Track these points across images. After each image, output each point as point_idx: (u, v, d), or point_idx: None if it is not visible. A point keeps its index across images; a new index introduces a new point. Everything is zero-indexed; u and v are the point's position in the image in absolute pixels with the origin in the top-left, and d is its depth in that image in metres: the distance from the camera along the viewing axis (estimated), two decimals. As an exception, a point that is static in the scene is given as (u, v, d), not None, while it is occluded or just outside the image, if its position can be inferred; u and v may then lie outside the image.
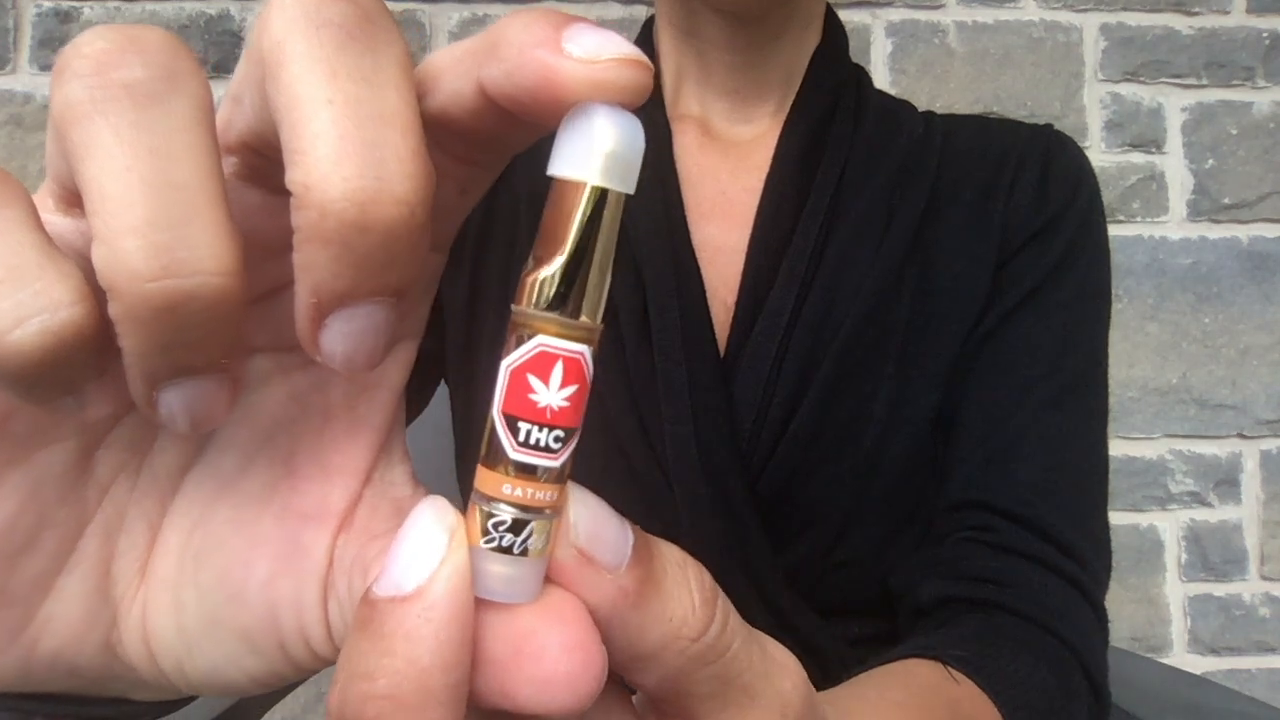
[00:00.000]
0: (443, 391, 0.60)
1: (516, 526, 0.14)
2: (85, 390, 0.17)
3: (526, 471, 0.14)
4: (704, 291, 0.50)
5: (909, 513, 0.51)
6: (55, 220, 0.16)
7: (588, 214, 0.14)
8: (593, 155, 0.14)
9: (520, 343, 0.14)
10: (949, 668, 0.39)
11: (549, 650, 0.14)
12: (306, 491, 0.19)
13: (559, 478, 0.15)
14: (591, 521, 0.15)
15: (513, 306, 0.15)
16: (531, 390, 0.14)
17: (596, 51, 0.14)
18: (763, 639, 0.17)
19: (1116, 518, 1.19)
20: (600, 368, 0.50)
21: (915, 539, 0.51)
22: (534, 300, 0.14)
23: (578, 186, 0.14)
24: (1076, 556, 0.47)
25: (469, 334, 0.55)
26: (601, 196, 0.14)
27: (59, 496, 0.18)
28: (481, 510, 0.15)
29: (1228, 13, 1.18)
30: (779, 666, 0.17)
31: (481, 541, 0.14)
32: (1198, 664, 1.15)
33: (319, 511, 0.19)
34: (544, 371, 0.14)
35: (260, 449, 0.19)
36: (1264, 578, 1.17)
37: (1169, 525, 1.16)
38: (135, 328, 0.14)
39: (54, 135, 0.15)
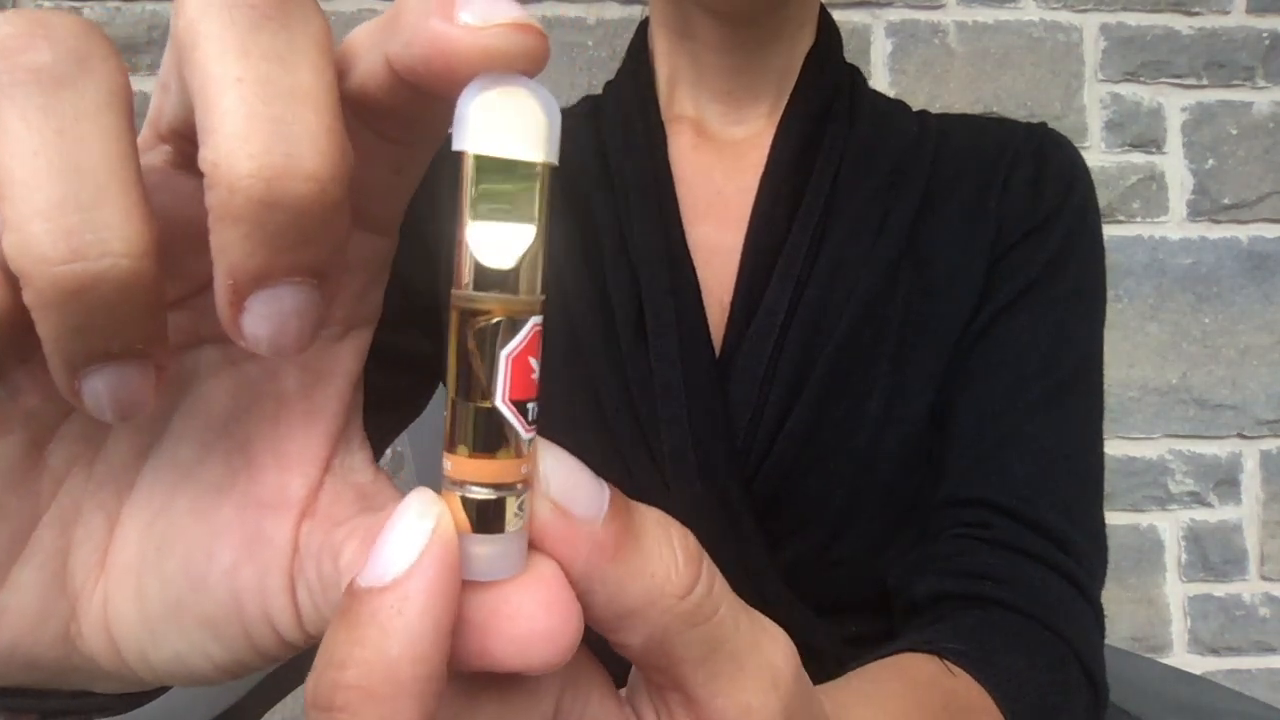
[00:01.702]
0: (442, 392, 0.60)
1: (500, 505, 0.15)
2: (12, 378, 0.16)
3: (525, 449, 0.15)
4: (699, 291, 0.51)
5: (905, 510, 0.51)
6: None
7: (545, 190, 0.14)
8: (539, 131, 0.14)
9: (514, 329, 0.14)
10: (946, 661, 0.39)
11: (525, 608, 0.14)
12: (265, 481, 0.19)
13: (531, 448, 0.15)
14: (565, 475, 0.15)
15: (461, 293, 0.14)
16: (532, 371, 0.15)
17: (486, 17, 0.14)
18: (751, 610, 0.17)
19: (1116, 518, 1.19)
20: (595, 369, 0.50)
21: (911, 536, 0.52)
22: (508, 285, 0.14)
23: (535, 166, 0.14)
24: (1073, 552, 0.48)
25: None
26: (553, 171, 0.14)
27: (10, 488, 0.18)
28: (463, 498, 0.15)
29: (1228, 13, 1.18)
30: (769, 638, 0.17)
31: (473, 528, 0.14)
32: (1198, 664, 1.15)
33: (279, 500, 0.19)
34: (536, 350, 0.15)
35: (217, 439, 0.19)
36: (1264, 578, 1.17)
37: (1169, 525, 1.16)
38: (48, 313, 0.14)
39: None
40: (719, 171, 0.55)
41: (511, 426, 0.14)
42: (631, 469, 0.49)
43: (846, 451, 0.50)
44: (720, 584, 0.16)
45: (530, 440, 0.15)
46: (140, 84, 1.09)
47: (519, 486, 0.15)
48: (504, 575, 0.15)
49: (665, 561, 0.16)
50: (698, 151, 0.55)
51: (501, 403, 0.14)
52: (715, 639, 0.16)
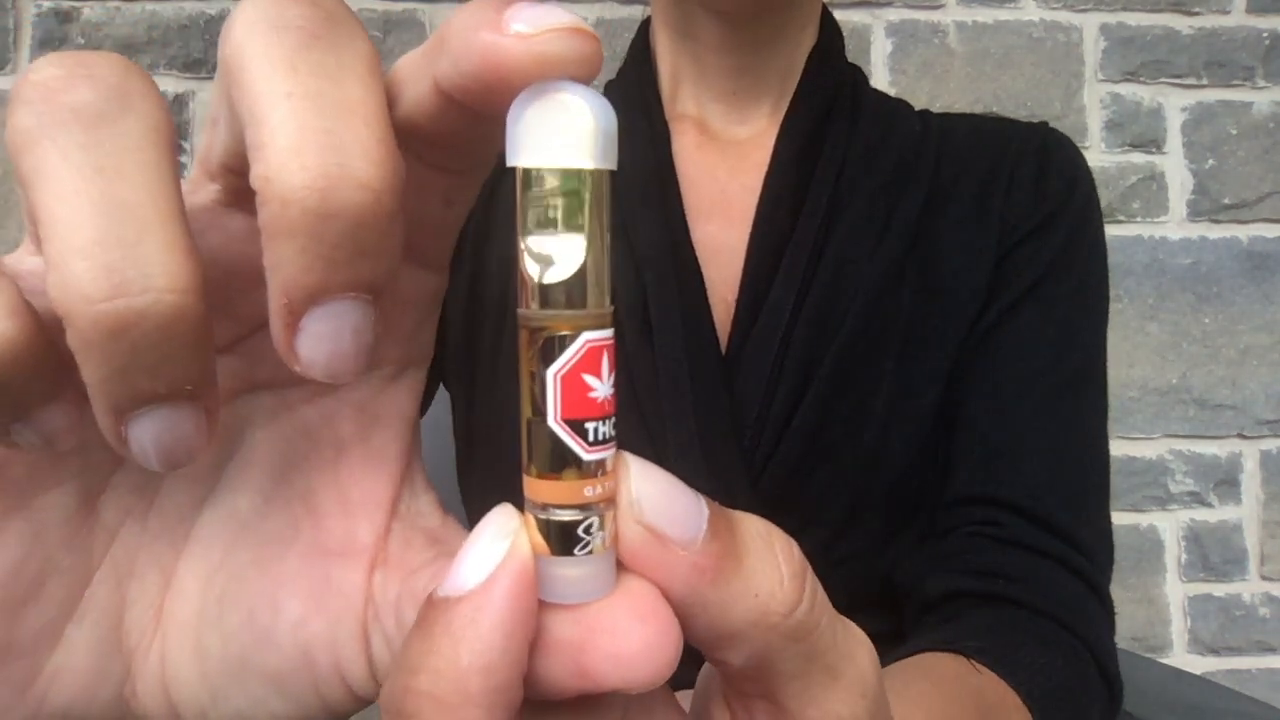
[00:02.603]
0: (442, 393, 0.60)
1: (582, 527, 0.14)
2: (42, 417, 0.16)
3: (594, 469, 0.14)
4: (705, 290, 0.51)
5: (910, 508, 0.52)
6: (30, 260, 0.16)
7: (599, 197, 0.14)
8: (584, 138, 0.14)
9: (562, 346, 0.14)
10: (970, 660, 0.39)
11: (621, 623, 0.14)
12: (331, 528, 0.19)
13: (610, 466, 0.14)
14: (659, 496, 0.14)
15: (524, 311, 0.14)
16: (590, 389, 0.14)
17: (536, 25, 0.13)
18: (843, 618, 0.17)
19: (1117, 518, 1.19)
20: None
21: (917, 534, 0.52)
22: (558, 300, 0.14)
23: (576, 172, 0.14)
24: (1082, 549, 0.48)
25: (469, 336, 0.55)
26: (608, 178, 0.14)
27: (63, 543, 0.17)
28: (541, 520, 0.14)
29: (1228, 13, 1.18)
30: (859, 644, 0.17)
31: (551, 550, 0.14)
32: (1198, 664, 1.15)
33: (347, 547, 0.19)
34: (595, 367, 0.14)
35: (276, 487, 0.19)
36: (1264, 578, 1.17)
37: (1169, 525, 1.16)
38: (91, 353, 0.13)
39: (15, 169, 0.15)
40: (723, 170, 0.55)
41: (568, 447, 0.14)
42: None
43: (852, 449, 0.50)
44: (821, 596, 0.16)
45: (596, 461, 0.14)
46: (140, 84, 1.09)
47: (596, 507, 0.14)
48: (592, 597, 0.14)
49: (770, 579, 0.15)
50: (701, 151, 0.55)
51: (554, 422, 0.14)
52: (815, 652, 0.15)
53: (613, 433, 0.14)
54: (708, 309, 0.50)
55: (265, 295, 0.15)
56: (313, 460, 0.19)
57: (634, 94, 0.56)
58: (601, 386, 0.14)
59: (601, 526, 0.14)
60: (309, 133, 0.13)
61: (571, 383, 0.14)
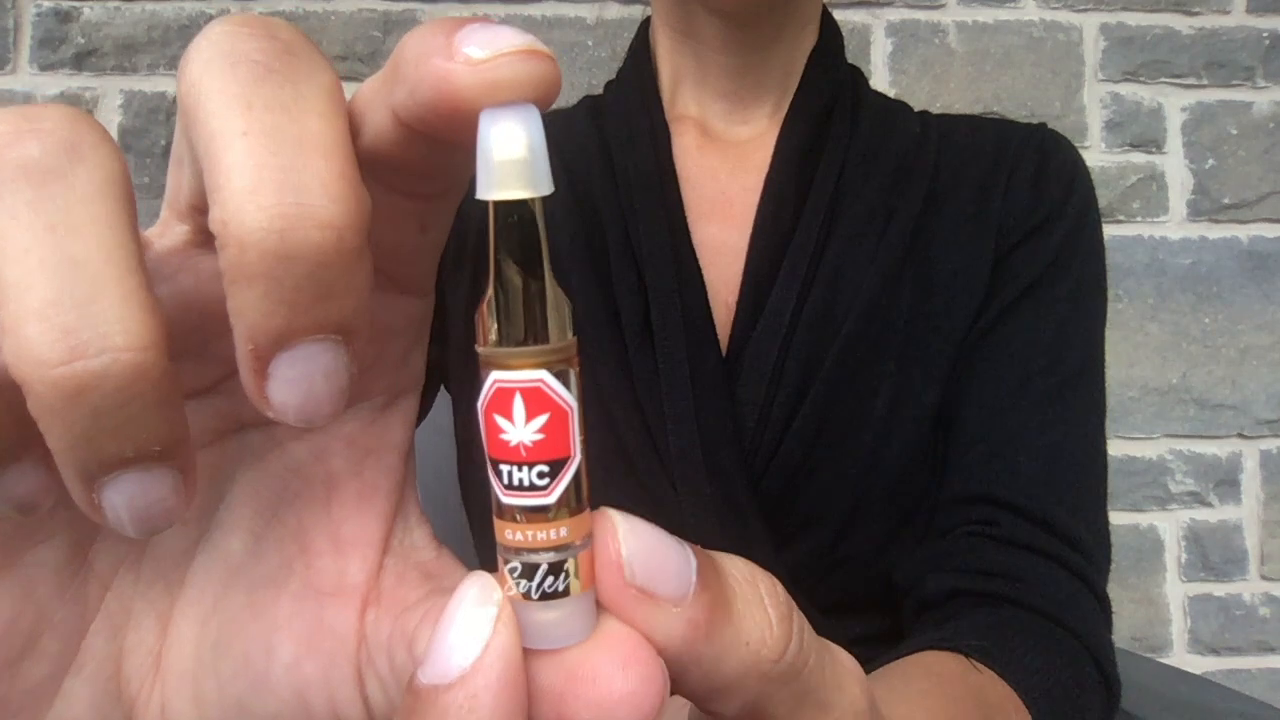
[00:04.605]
0: (443, 393, 0.60)
1: (546, 570, 0.13)
2: (7, 482, 0.15)
3: (532, 513, 0.13)
4: (705, 291, 0.51)
5: (910, 509, 0.52)
6: None
7: (500, 232, 0.13)
8: (487, 168, 0.13)
9: (482, 383, 0.13)
10: (970, 659, 0.39)
11: (604, 670, 0.13)
12: (322, 568, 0.18)
13: (570, 509, 0.14)
14: (647, 554, 0.14)
15: (475, 348, 0.14)
16: (501, 430, 0.13)
17: (488, 48, 0.13)
18: (830, 645, 0.16)
19: (1117, 518, 1.19)
20: (602, 370, 0.50)
21: (916, 535, 0.52)
22: (484, 336, 0.13)
23: (487, 206, 0.13)
24: (1080, 548, 0.48)
25: (471, 336, 0.55)
26: (508, 210, 0.13)
27: (56, 596, 0.17)
28: (507, 563, 0.14)
29: (1228, 13, 1.18)
30: (847, 673, 0.16)
31: (518, 594, 0.14)
32: (1198, 664, 1.15)
33: (339, 587, 0.18)
34: (506, 409, 0.13)
35: (268, 527, 0.18)
36: (1264, 578, 1.16)
37: (1169, 525, 1.16)
38: (53, 420, 0.13)
39: None
40: (723, 171, 0.55)
41: (492, 487, 0.14)
42: (638, 470, 0.49)
43: (853, 451, 0.50)
44: (808, 632, 0.15)
45: (514, 506, 0.13)
46: (139, 84, 1.09)
47: (575, 545, 0.14)
48: (572, 641, 0.14)
49: (760, 625, 0.14)
50: (702, 151, 0.55)
51: (486, 459, 0.14)
52: (805, 690, 0.15)
53: (544, 483, 0.13)
54: (708, 310, 0.50)
55: None
56: (304, 498, 0.18)
57: (634, 94, 0.56)
58: (516, 431, 0.13)
59: (570, 572, 0.14)
60: (265, 171, 0.13)
61: (489, 421, 0.14)
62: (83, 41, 1.09)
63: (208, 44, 0.14)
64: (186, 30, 1.10)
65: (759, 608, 0.15)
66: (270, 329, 0.13)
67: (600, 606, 0.14)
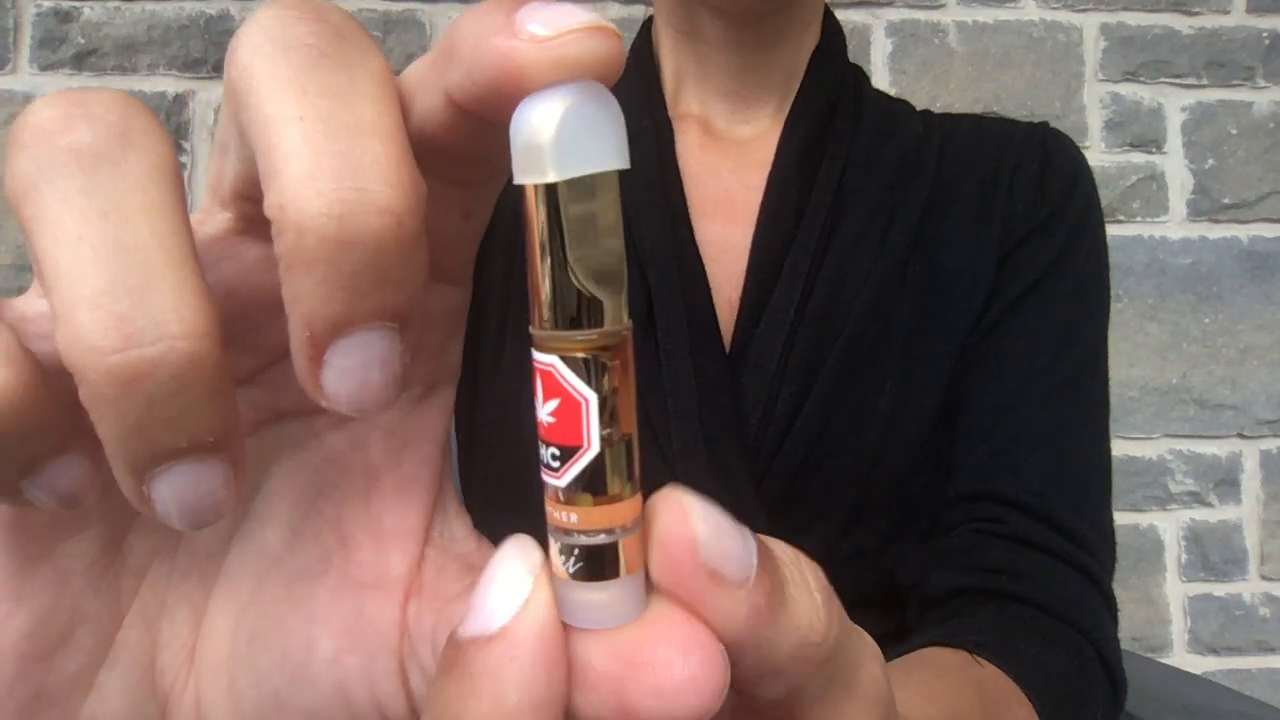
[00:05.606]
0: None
1: (585, 550, 0.13)
2: (52, 472, 0.15)
3: (560, 492, 0.13)
4: (709, 289, 0.51)
5: (914, 506, 0.52)
6: (39, 303, 0.15)
7: (546, 215, 0.13)
8: (536, 149, 0.12)
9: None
10: (973, 654, 0.39)
11: (663, 655, 0.13)
12: (362, 560, 0.18)
13: (594, 495, 0.13)
14: (718, 535, 0.13)
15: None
16: (536, 404, 0.14)
17: (553, 26, 0.13)
18: (853, 625, 0.16)
19: (1117, 518, 1.19)
20: None
21: (920, 532, 0.52)
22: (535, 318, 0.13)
23: (532, 189, 0.13)
24: (1086, 545, 0.48)
25: (472, 339, 0.55)
26: (552, 192, 0.13)
27: (90, 589, 0.17)
28: (554, 543, 0.14)
29: (1228, 13, 1.18)
30: (870, 653, 0.16)
31: (567, 574, 0.13)
32: (1198, 664, 1.15)
33: (379, 580, 0.18)
34: (533, 384, 0.14)
35: (305, 519, 0.18)
36: (1264, 578, 1.17)
37: (1169, 525, 1.16)
38: (105, 409, 0.13)
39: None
40: (726, 170, 0.55)
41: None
42: (641, 467, 0.49)
43: (856, 448, 0.50)
44: (842, 613, 0.15)
45: (543, 483, 0.13)
46: (139, 84, 1.09)
47: (618, 530, 0.13)
48: (620, 622, 0.13)
49: (809, 609, 0.14)
50: (704, 150, 0.55)
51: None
52: (836, 671, 0.15)
53: (556, 465, 0.13)
54: (711, 308, 0.50)
55: (285, 324, 0.15)
56: (342, 489, 0.18)
57: (637, 93, 0.56)
58: (540, 407, 0.13)
59: (620, 553, 0.13)
60: (323, 156, 0.13)
61: (533, 388, 0.13)
62: (83, 41, 1.09)
63: (257, 28, 0.14)
64: (186, 30, 1.10)
65: (806, 589, 0.14)
66: (327, 315, 0.13)
67: (656, 589, 0.14)
